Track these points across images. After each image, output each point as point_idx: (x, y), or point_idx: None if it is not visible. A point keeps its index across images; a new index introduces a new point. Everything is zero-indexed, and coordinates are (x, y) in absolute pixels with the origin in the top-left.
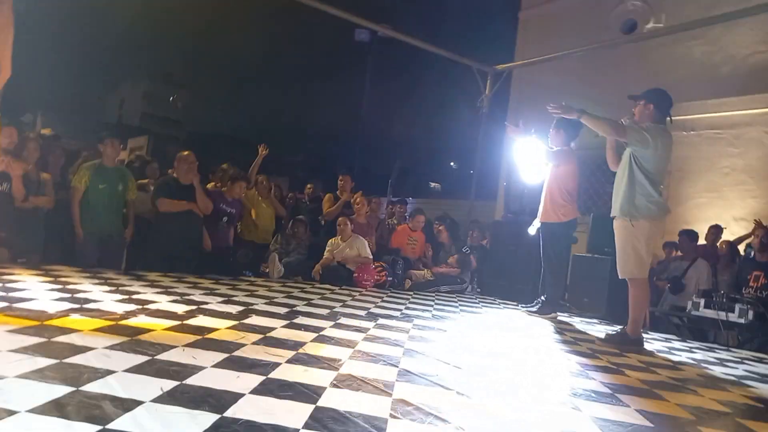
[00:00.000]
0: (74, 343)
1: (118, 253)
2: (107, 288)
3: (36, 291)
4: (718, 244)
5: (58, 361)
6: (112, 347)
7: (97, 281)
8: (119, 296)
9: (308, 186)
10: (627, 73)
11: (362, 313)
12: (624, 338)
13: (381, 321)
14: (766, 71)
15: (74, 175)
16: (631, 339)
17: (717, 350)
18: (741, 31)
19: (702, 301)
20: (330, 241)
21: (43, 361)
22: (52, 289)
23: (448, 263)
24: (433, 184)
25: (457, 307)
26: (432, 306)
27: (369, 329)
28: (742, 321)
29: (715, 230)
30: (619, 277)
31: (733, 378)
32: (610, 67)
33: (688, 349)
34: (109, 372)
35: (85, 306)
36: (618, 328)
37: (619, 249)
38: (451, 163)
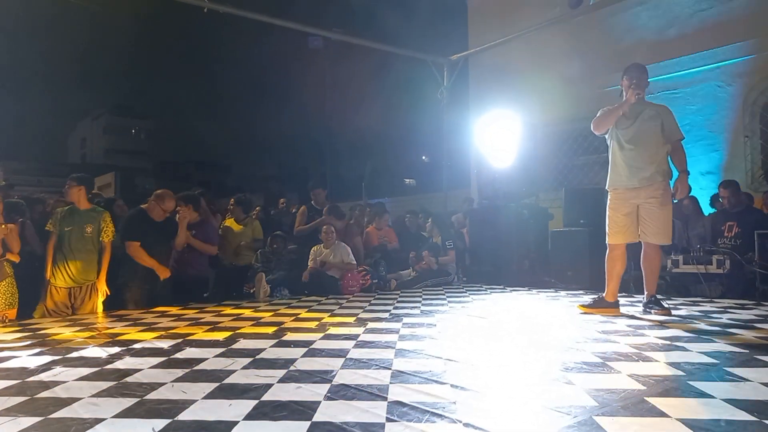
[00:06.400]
0: (59, 396)
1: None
2: (89, 333)
3: (14, 348)
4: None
5: (42, 418)
6: (98, 394)
7: (77, 328)
8: (102, 340)
9: (281, 200)
10: (581, 46)
11: (351, 320)
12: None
13: (370, 325)
14: (710, 28)
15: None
16: (655, 299)
17: (701, 303)
18: None
19: (681, 258)
20: (312, 249)
21: (27, 421)
22: (32, 344)
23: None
24: (407, 181)
25: (444, 299)
26: (420, 302)
27: (359, 335)
28: (721, 271)
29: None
30: (663, 244)
31: (718, 328)
32: (564, 41)
33: (673, 306)
34: (98, 420)
35: (68, 356)
36: (595, 296)
37: (664, 218)
38: (423, 157)
